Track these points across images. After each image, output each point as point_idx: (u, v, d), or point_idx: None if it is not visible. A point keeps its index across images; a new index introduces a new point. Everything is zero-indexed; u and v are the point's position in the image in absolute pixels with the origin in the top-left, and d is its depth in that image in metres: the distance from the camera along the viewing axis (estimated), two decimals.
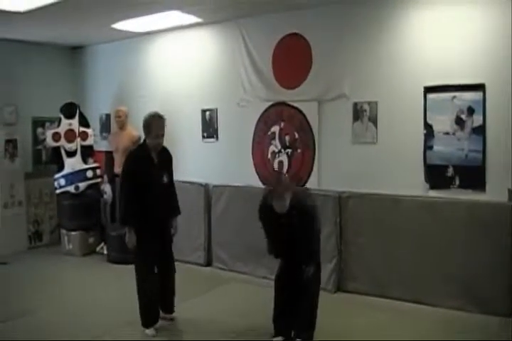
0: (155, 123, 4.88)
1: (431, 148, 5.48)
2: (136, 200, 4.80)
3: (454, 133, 5.33)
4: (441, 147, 5.42)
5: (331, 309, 5.32)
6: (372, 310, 5.34)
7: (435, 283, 5.31)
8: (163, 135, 4.91)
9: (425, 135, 5.50)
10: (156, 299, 5.01)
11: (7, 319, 5.31)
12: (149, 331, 4.93)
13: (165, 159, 5.08)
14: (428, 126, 5.48)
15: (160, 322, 5.04)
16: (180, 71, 7.62)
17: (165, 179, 4.99)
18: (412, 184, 5.57)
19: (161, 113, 5.00)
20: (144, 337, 4.86)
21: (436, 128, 5.43)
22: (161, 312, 5.10)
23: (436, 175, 5.47)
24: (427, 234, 5.37)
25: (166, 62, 7.83)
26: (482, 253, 5.04)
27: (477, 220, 5.08)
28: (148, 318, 4.97)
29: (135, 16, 6.71)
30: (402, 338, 4.54)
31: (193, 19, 6.91)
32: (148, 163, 4.90)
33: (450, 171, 5.37)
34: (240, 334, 4.76)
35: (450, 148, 5.35)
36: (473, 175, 5.24)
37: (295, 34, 6.35)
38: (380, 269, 5.67)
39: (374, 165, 5.85)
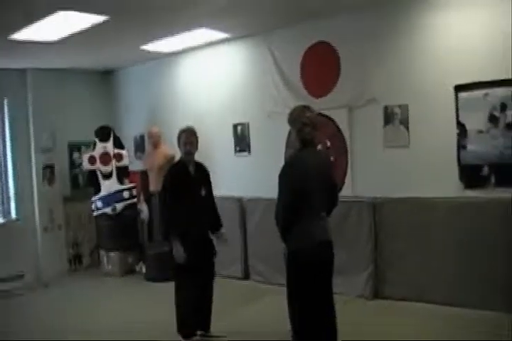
0: (183, 133, 5.07)
1: (464, 147, 5.37)
2: (177, 214, 4.85)
3: (487, 131, 5.22)
4: (475, 146, 5.31)
5: (368, 315, 5.30)
6: (408, 315, 5.25)
7: (472, 285, 5.19)
8: (191, 143, 5.01)
9: (458, 134, 5.40)
10: (193, 310, 4.96)
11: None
12: None
13: (202, 173, 5.18)
14: (461, 126, 5.39)
15: (197, 337, 5.02)
16: (211, 87, 7.71)
17: (203, 192, 5.03)
18: (447, 185, 5.46)
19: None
20: None
21: (469, 126, 5.33)
22: None
23: (471, 174, 5.35)
24: (463, 235, 5.26)
25: (196, 80, 7.94)
26: None
27: None
28: (184, 328, 4.95)
29: (163, 37, 6.84)
30: None
31: (220, 35, 7.00)
32: (186, 176, 5.01)
33: (485, 170, 5.24)
34: None
35: (484, 146, 5.24)
36: (508, 172, 5.11)
37: (322, 42, 6.38)
38: (416, 273, 5.58)
39: (407, 169, 5.76)
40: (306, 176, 3.87)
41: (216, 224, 5.23)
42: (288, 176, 3.92)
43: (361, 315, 5.29)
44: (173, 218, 4.91)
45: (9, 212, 8.17)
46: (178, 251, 4.81)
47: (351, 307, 5.51)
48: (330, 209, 4.17)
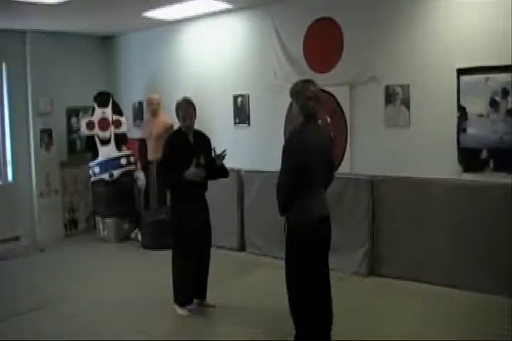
0: (182, 106, 5.08)
1: (464, 130, 5.40)
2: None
3: (488, 116, 5.25)
4: (474, 129, 5.34)
5: (363, 292, 5.39)
6: (403, 294, 5.34)
7: (469, 267, 5.27)
8: (190, 117, 5.04)
9: (459, 117, 5.43)
10: (192, 278, 5.08)
11: (44, 305, 5.43)
12: (182, 310, 5.04)
13: (202, 140, 5.22)
14: (461, 109, 5.41)
15: (193, 305, 5.14)
16: (212, 57, 7.66)
17: (202, 161, 5.03)
18: (446, 167, 5.51)
19: (194, 99, 5.18)
20: (177, 317, 4.98)
21: (470, 110, 5.35)
22: None
23: (469, 157, 5.39)
24: (461, 217, 5.33)
25: (197, 49, 7.87)
26: None
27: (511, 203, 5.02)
28: (183, 297, 5.07)
29: (166, 4, 6.75)
30: (434, 322, 4.56)
31: (223, 5, 6.93)
32: (185, 145, 5.05)
33: (484, 154, 5.29)
34: (269, 322, 4.76)
35: (484, 130, 5.27)
36: (508, 157, 5.16)
37: (326, 18, 6.32)
38: (413, 253, 5.65)
39: (407, 149, 5.81)
40: (308, 152, 3.92)
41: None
42: (291, 151, 3.97)
43: (355, 292, 5.38)
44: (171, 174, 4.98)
45: (6, 176, 8.17)
46: (192, 172, 4.86)
47: (346, 284, 5.60)
48: (326, 185, 4.24)
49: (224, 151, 5.08)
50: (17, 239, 8.04)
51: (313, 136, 4.02)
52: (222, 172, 5.22)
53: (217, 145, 5.17)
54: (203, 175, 4.96)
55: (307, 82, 4.14)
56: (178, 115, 5.10)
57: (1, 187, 8.09)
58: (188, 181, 4.88)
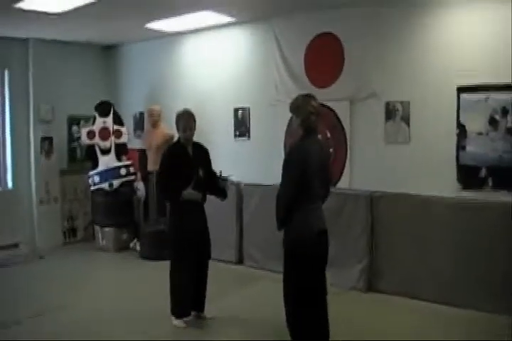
0: (183, 117, 5.11)
1: (464, 148, 5.44)
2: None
3: (487, 134, 5.28)
4: (474, 147, 5.37)
5: (361, 308, 5.39)
6: (401, 310, 5.34)
7: (468, 285, 5.26)
8: (191, 129, 5.07)
9: (458, 135, 5.46)
10: (190, 290, 5.08)
11: (41, 313, 5.42)
12: (178, 322, 5.03)
13: (200, 153, 5.23)
14: (461, 126, 5.44)
15: (190, 317, 5.14)
16: (213, 70, 7.69)
17: (201, 174, 5.07)
18: (445, 184, 5.54)
19: (194, 111, 5.21)
20: (174, 329, 4.98)
21: (470, 128, 5.39)
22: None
23: (469, 175, 5.42)
24: (460, 235, 5.33)
25: (199, 62, 7.90)
26: None
27: (510, 222, 5.02)
28: (180, 308, 5.07)
29: (169, 16, 6.80)
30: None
31: (225, 19, 6.98)
32: (184, 157, 5.07)
33: (483, 172, 5.32)
34: (267, 335, 4.77)
35: (483, 148, 5.31)
36: (507, 176, 5.19)
37: (328, 33, 6.37)
38: (411, 270, 5.65)
39: (406, 165, 5.84)
40: (308, 165, 3.96)
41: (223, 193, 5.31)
42: (291, 164, 4.02)
43: (352, 307, 5.37)
44: (171, 184, 5.00)
45: (6, 183, 8.19)
46: (190, 193, 4.93)
47: (344, 299, 5.60)
48: (323, 199, 4.27)
49: (229, 176, 5.17)
50: (16, 246, 8.04)
51: (313, 150, 4.07)
52: (222, 193, 5.26)
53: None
54: (199, 197, 5.00)
55: (308, 97, 4.19)
56: (178, 126, 5.12)
57: (0, 193, 8.10)
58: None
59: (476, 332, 4.68)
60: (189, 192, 4.93)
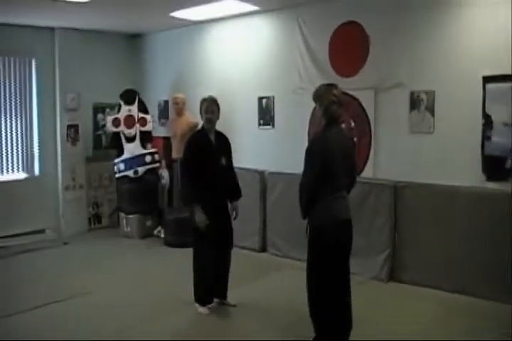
0: (206, 101, 5.17)
1: (489, 138, 5.38)
2: (198, 180, 5.00)
3: None
4: (499, 138, 5.30)
5: (382, 298, 5.40)
6: (423, 301, 5.32)
7: (492, 276, 5.21)
8: (212, 112, 5.12)
9: (483, 125, 5.40)
10: (213, 278, 5.14)
11: (67, 297, 5.53)
12: (203, 309, 5.10)
13: (223, 143, 5.27)
14: (486, 116, 5.38)
15: (213, 304, 5.22)
16: (238, 59, 7.71)
17: (223, 161, 5.13)
18: (469, 175, 5.49)
19: (218, 100, 5.26)
20: (197, 316, 5.04)
21: (495, 118, 5.32)
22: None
23: (494, 166, 5.37)
24: (483, 225, 5.29)
25: (223, 50, 7.92)
26: None
27: None
28: (204, 296, 5.14)
29: (193, 5, 6.81)
30: (450, 331, 4.55)
31: (250, 7, 6.97)
32: (207, 145, 5.11)
33: (509, 163, 5.26)
34: (289, 323, 4.80)
35: (509, 138, 5.23)
36: None
37: (352, 22, 6.33)
38: (434, 260, 5.63)
39: (430, 155, 5.80)
40: (330, 154, 3.97)
41: (236, 194, 5.34)
42: (313, 153, 4.03)
43: (374, 297, 5.38)
44: (193, 184, 5.04)
45: (33, 169, 8.33)
46: (200, 216, 4.95)
47: (366, 288, 5.58)
48: (349, 188, 4.28)
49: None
50: (42, 231, 8.19)
51: (336, 139, 4.08)
52: (235, 189, 5.36)
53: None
54: (205, 224, 4.98)
55: (330, 86, 4.19)
56: (201, 109, 5.19)
57: (28, 180, 8.24)
58: (209, 184, 5.00)
59: (496, 325, 4.63)
60: (199, 216, 4.96)
